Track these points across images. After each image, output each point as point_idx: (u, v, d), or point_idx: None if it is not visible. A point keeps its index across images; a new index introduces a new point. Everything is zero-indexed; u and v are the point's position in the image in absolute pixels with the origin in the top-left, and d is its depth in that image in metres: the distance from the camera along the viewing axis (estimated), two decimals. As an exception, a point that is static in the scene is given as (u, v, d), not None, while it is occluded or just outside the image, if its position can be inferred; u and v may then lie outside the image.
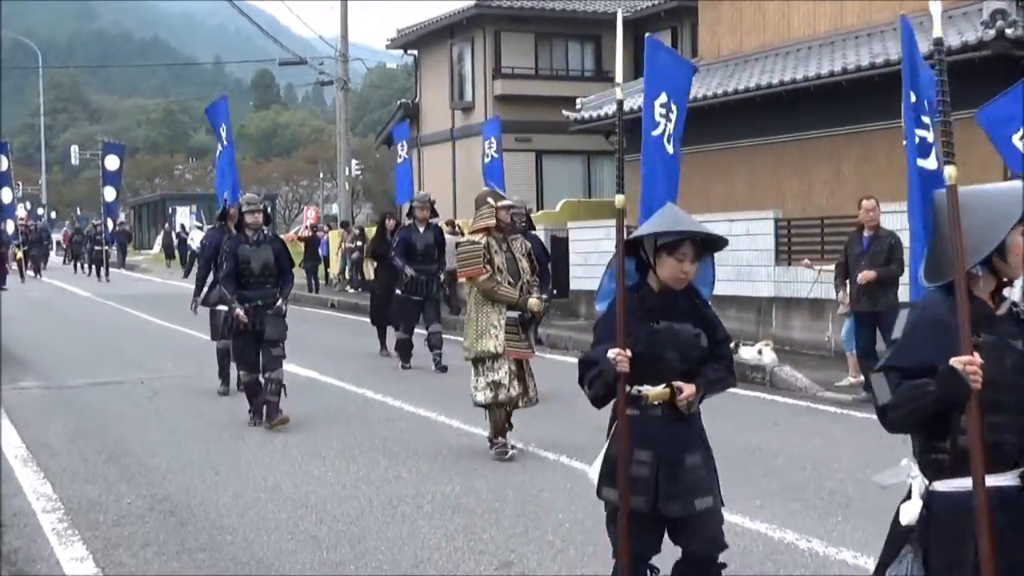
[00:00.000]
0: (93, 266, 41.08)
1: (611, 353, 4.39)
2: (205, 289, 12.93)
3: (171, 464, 9.16)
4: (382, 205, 53.47)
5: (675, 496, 4.56)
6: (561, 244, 22.37)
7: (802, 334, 16.59)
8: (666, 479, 4.55)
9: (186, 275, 40.68)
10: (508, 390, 9.03)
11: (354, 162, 45.26)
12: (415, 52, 34.50)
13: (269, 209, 11.65)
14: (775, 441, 9.82)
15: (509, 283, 9.12)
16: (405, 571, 6.24)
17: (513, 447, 9.30)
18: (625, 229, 4.69)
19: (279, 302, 10.74)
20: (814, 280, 14.80)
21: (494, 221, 9.13)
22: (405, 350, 15.14)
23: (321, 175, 71.09)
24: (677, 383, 4.52)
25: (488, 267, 9.04)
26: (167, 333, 20.21)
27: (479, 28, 30.01)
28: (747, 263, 17.68)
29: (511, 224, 9.48)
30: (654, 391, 4.52)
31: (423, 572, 6.22)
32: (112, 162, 37.89)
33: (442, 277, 15.24)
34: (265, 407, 10.74)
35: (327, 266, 33.26)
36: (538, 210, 27.49)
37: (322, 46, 36.36)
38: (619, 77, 5.09)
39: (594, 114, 22.55)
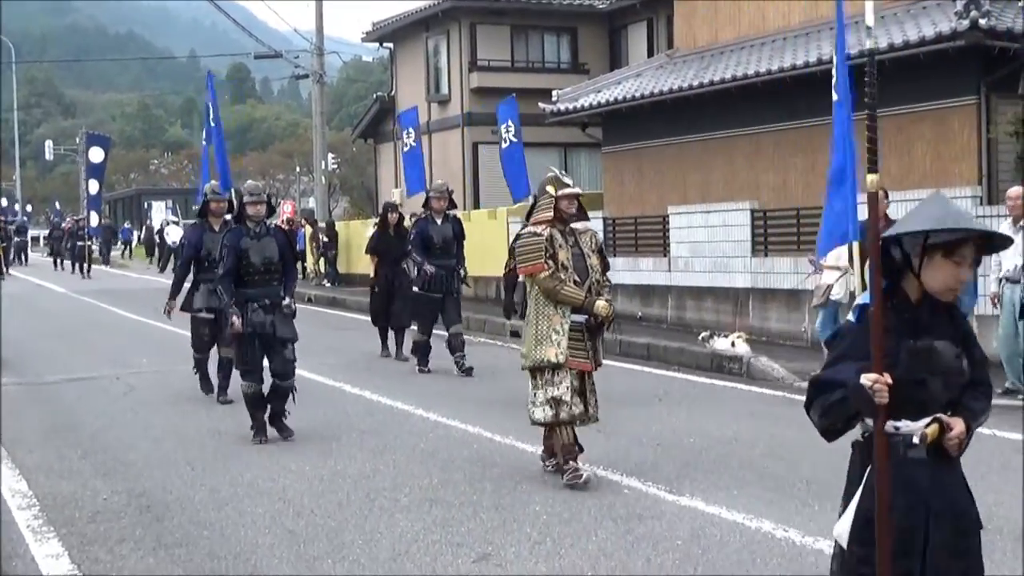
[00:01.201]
0: (77, 263, 39.57)
1: (866, 379, 3.46)
2: (184, 293, 12.15)
3: (147, 460, 9.13)
4: (359, 199, 53.35)
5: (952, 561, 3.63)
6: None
7: (779, 325, 16.64)
8: (941, 542, 3.62)
9: (162, 270, 40.87)
10: (571, 407, 8.02)
11: (330, 156, 45.10)
12: (391, 45, 34.41)
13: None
14: (752, 432, 9.85)
15: (575, 282, 8.06)
16: (383, 564, 6.23)
17: (587, 469, 8.19)
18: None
19: (287, 300, 9.84)
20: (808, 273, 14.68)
21: (552, 214, 8.12)
22: (423, 352, 14.07)
23: (297, 169, 70.82)
24: (944, 417, 3.63)
25: (550, 263, 8.02)
26: (143, 328, 20.12)
27: (454, 21, 29.95)
28: (723, 254, 17.72)
29: (574, 215, 8.29)
30: (928, 429, 3.58)
31: (401, 565, 6.21)
32: (96, 154, 37.11)
33: (463, 273, 14.14)
34: (272, 420, 9.94)
35: (304, 260, 33.19)
36: (515, 203, 27.47)
37: (297, 40, 36.27)
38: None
39: (570, 106, 22.52)
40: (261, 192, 10.06)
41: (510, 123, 19.96)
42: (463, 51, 29.98)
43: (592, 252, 8.30)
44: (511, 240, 13.12)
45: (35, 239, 61.88)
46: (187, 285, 12.16)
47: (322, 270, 31.82)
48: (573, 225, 8.30)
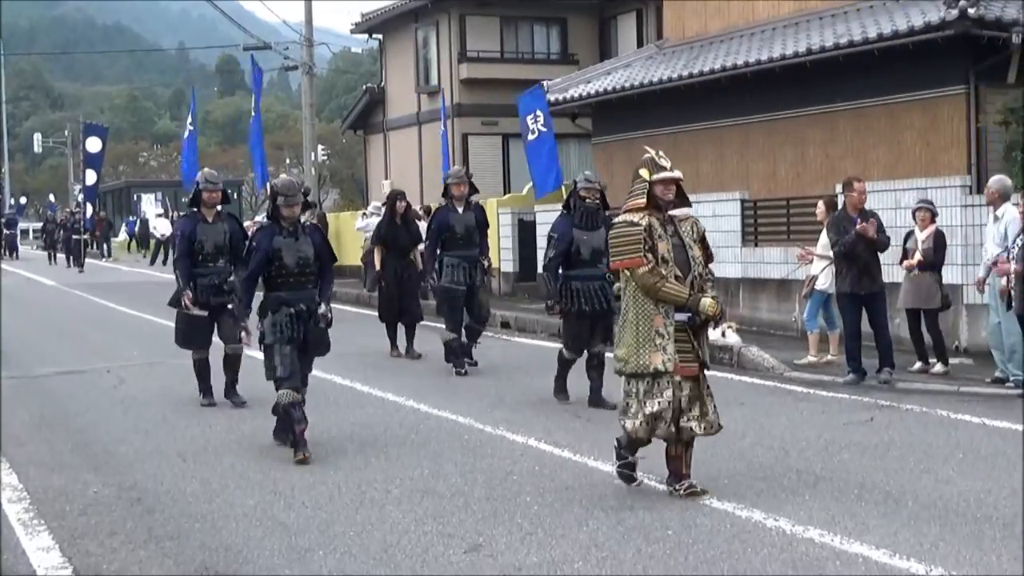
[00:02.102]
0: (71, 256, 38.84)
1: None
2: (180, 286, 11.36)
3: (138, 452, 9.12)
4: (349, 191, 53.29)
5: None
6: (528, 227, 22.37)
7: (769, 315, 16.68)
8: None
9: (152, 263, 40.77)
10: (669, 425, 7.23)
11: (320, 147, 45.07)
12: (380, 36, 34.34)
13: (309, 195, 10.14)
14: (742, 421, 9.86)
15: (677, 277, 7.21)
16: (374, 555, 6.23)
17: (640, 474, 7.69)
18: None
19: (323, 308, 8.96)
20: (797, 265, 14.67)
21: (644, 201, 7.28)
22: (457, 353, 13.10)
23: (287, 161, 70.73)
24: None
25: (650, 256, 7.17)
26: (132, 321, 20.09)
27: (444, 12, 29.89)
28: (714, 244, 17.60)
29: (672, 201, 7.41)
30: None
31: (392, 556, 6.21)
32: (94, 144, 36.52)
33: (486, 263, 13.38)
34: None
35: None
36: (505, 193, 27.48)
37: (287, 31, 36.14)
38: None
39: (560, 97, 22.50)
40: (297, 190, 9.08)
41: (538, 113, 18.59)
42: (453, 42, 29.93)
43: (694, 242, 7.45)
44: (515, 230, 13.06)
45: (24, 232, 61.59)
46: (150, 276, 12.26)
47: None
48: (672, 212, 7.44)
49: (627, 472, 7.57)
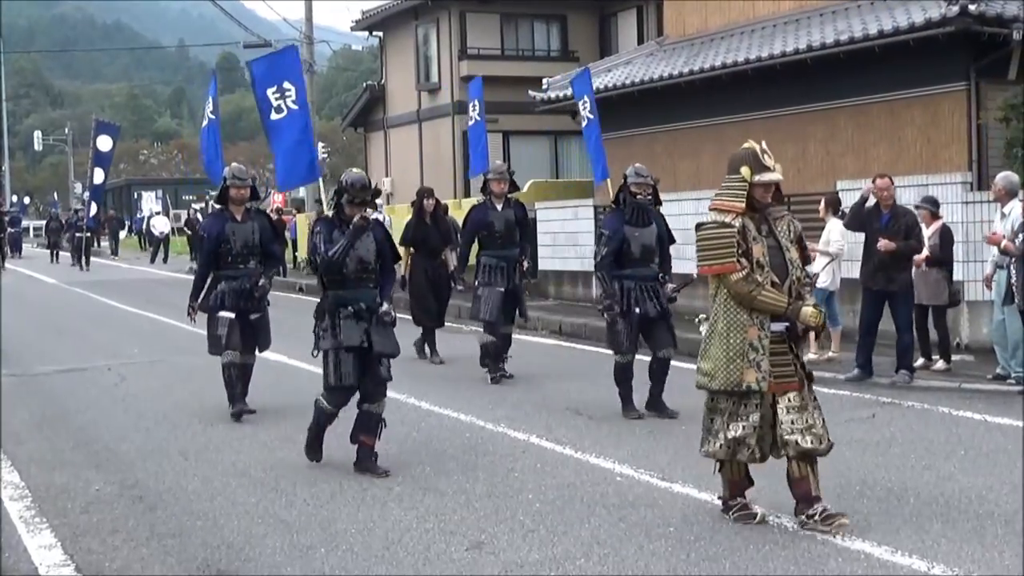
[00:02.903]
0: (78, 255, 37.81)
1: None
2: (204, 290, 10.60)
3: (140, 450, 9.12)
4: (349, 188, 53.19)
5: None
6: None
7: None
8: None
9: (152, 261, 40.78)
10: (752, 451, 6.58)
11: (320, 145, 44.92)
12: (380, 34, 34.35)
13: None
14: (744, 418, 9.85)
15: (773, 283, 6.51)
16: (376, 553, 6.23)
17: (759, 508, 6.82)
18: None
19: (384, 307, 8.19)
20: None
21: (743, 203, 6.51)
22: (494, 357, 12.31)
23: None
24: None
25: (743, 261, 6.47)
26: (133, 318, 20.09)
27: (444, 9, 29.88)
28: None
29: (770, 204, 6.68)
30: None
31: (394, 554, 6.21)
32: (104, 143, 36.05)
33: (526, 264, 12.63)
34: (359, 460, 8.19)
35: (295, 249, 33.14)
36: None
37: (287, 29, 36.15)
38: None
39: (560, 94, 22.51)
40: (366, 184, 8.19)
41: (586, 99, 17.49)
42: (453, 39, 29.93)
43: (791, 243, 6.72)
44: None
45: (26, 230, 61.42)
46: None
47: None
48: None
49: (745, 514, 6.71)
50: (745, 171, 6.51)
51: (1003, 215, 11.52)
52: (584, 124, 17.52)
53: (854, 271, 14.40)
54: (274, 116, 12.96)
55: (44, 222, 56.82)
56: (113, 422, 10.38)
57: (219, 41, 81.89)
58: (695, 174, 20.00)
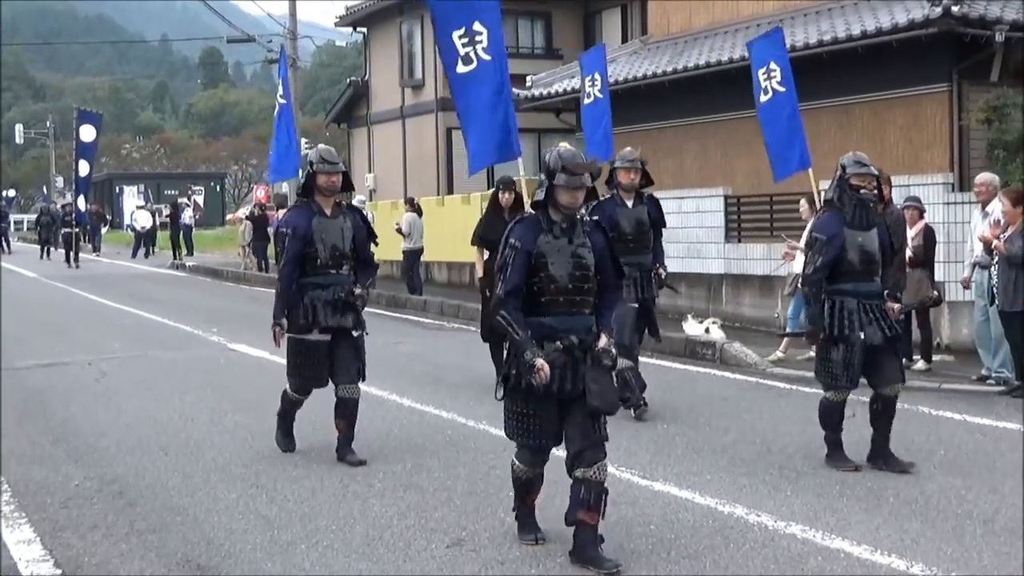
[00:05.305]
0: (67, 251, 36.29)
1: None
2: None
3: (120, 445, 9.08)
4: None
5: None
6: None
7: (752, 311, 16.71)
8: None
9: (134, 255, 40.60)
10: None
11: (304, 141, 44.78)
12: (364, 30, 34.29)
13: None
14: (725, 417, 9.89)
15: None
16: (356, 549, 6.23)
17: None
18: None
19: (603, 341, 6.07)
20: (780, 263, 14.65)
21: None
22: (634, 388, 9.91)
23: (271, 154, 70.49)
24: None
25: None
26: (114, 313, 20.02)
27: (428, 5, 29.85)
28: (697, 240, 17.77)
29: None
30: None
31: (374, 550, 6.21)
32: (88, 132, 35.01)
33: (663, 273, 10.37)
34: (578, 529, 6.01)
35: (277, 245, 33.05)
36: (489, 188, 27.40)
37: (270, 23, 36.02)
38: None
39: (545, 91, 22.51)
40: (584, 175, 6.01)
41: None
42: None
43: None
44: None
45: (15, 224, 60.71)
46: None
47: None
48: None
49: None
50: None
51: (986, 214, 11.59)
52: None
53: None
54: (460, 68, 10.40)
55: (32, 216, 55.88)
56: (94, 417, 10.34)
57: (202, 35, 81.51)
58: (678, 173, 20.02)
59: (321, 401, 10.30)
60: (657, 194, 10.82)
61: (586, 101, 15.90)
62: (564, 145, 6.18)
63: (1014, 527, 6.46)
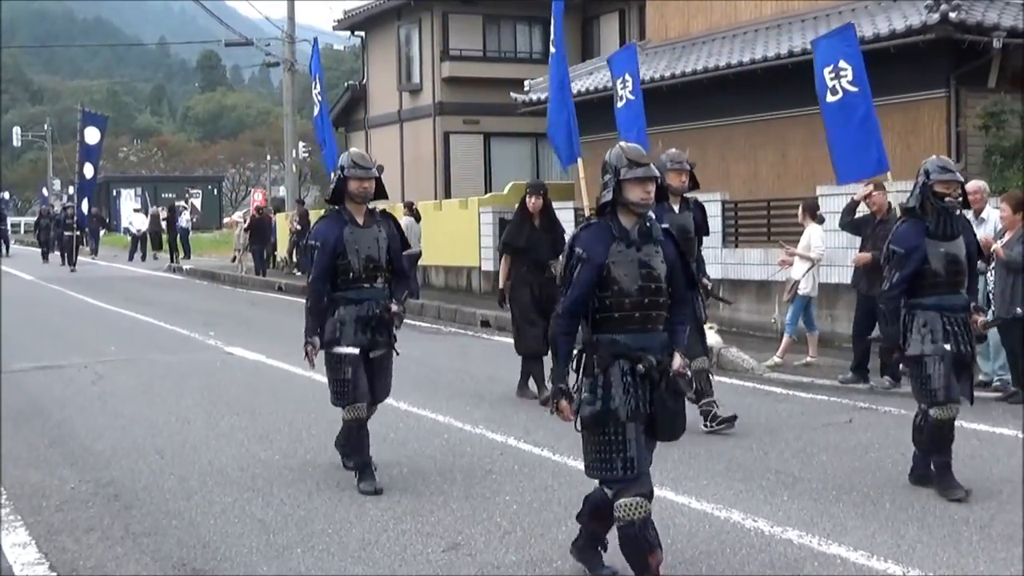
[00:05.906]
0: (65, 254, 35.85)
1: None
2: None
3: (115, 448, 9.07)
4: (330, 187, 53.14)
5: None
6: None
7: (749, 316, 16.71)
8: None
9: (130, 258, 40.60)
10: None
11: (301, 144, 44.97)
12: (362, 34, 34.31)
13: None
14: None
15: None
16: (352, 553, 6.22)
17: None
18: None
19: (677, 361, 5.74)
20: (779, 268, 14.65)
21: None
22: (708, 392, 9.57)
23: (268, 157, 70.60)
24: None
25: None
26: (111, 316, 20.00)
27: (426, 10, 29.86)
28: (694, 245, 17.73)
29: None
30: None
31: (370, 554, 6.20)
32: (92, 135, 34.52)
33: (708, 284, 9.90)
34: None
35: (275, 248, 33.10)
36: (486, 192, 27.46)
37: (268, 27, 36.08)
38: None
39: (542, 96, 22.49)
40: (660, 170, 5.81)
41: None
42: (435, 40, 29.91)
43: None
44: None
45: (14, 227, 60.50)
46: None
47: (294, 259, 31.72)
48: None
49: None
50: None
51: (982, 220, 11.59)
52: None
53: (832, 276, 14.49)
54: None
55: (28, 219, 55.62)
56: (89, 420, 10.33)
57: (200, 39, 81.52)
58: (676, 178, 20.02)
59: (317, 402, 10.29)
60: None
61: (618, 104, 15.45)
62: (674, 150, 5.92)
63: (1011, 533, 6.46)
